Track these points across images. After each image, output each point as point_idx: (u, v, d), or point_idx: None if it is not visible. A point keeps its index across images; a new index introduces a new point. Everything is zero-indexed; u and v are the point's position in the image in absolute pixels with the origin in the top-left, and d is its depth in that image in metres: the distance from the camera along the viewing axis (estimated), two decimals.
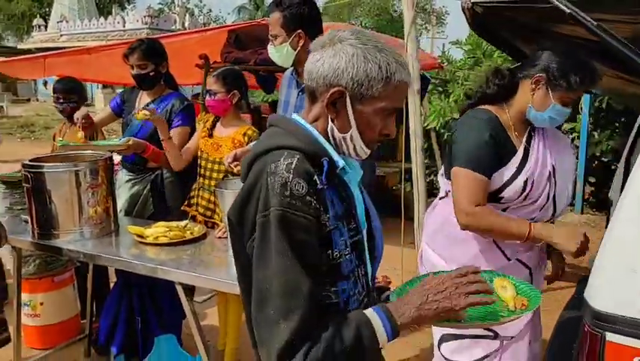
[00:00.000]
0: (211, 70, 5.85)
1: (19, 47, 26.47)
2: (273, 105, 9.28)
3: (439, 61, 8.61)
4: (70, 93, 3.51)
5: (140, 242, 2.51)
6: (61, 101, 3.48)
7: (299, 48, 2.28)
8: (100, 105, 23.13)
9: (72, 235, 2.56)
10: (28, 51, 23.82)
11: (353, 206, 1.24)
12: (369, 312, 1.15)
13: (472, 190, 1.89)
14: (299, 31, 2.25)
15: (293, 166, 1.12)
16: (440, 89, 8.18)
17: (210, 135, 2.91)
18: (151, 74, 2.92)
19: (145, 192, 3.01)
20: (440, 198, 2.21)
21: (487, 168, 1.90)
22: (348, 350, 1.10)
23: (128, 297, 3.08)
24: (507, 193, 1.94)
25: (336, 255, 1.18)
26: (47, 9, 28.91)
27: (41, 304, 3.34)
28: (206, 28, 7.56)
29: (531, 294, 1.37)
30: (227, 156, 2.48)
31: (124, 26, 23.65)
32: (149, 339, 2.96)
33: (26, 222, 2.75)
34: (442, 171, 2.20)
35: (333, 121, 1.21)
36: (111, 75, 7.94)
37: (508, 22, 2.44)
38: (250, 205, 1.16)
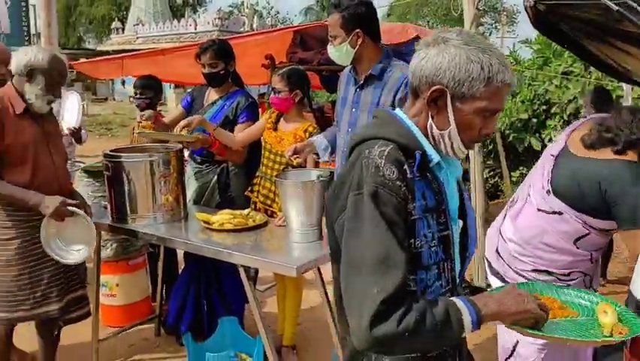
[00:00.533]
0: (276, 70, 6.03)
1: (98, 48, 27.99)
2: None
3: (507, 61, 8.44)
4: (147, 89, 3.80)
5: (207, 228, 2.70)
6: (138, 96, 3.78)
7: (357, 47, 2.40)
8: (172, 104, 24.06)
9: (146, 219, 2.79)
10: (107, 53, 25.12)
11: (445, 201, 1.26)
12: (454, 299, 1.18)
13: None
14: (357, 30, 2.37)
15: (385, 153, 1.18)
16: None
17: (275, 129, 3.07)
18: (221, 72, 3.11)
19: (212, 183, 3.21)
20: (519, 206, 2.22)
21: None
22: (439, 327, 1.11)
23: (195, 282, 3.31)
24: None
25: (418, 244, 1.21)
26: (125, 12, 30.41)
27: (117, 285, 3.62)
28: (272, 29, 7.82)
29: (634, 323, 1.29)
30: (288, 149, 2.63)
31: (195, 29, 24.53)
32: (214, 321, 3.17)
33: (105, 208, 3.02)
34: (531, 180, 2.21)
35: (432, 118, 1.24)
36: (183, 75, 8.32)
37: (571, 20, 2.45)
38: (344, 187, 1.22)
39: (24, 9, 12.09)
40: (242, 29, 24.37)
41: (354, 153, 1.26)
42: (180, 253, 3.80)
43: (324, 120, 3.71)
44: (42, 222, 2.50)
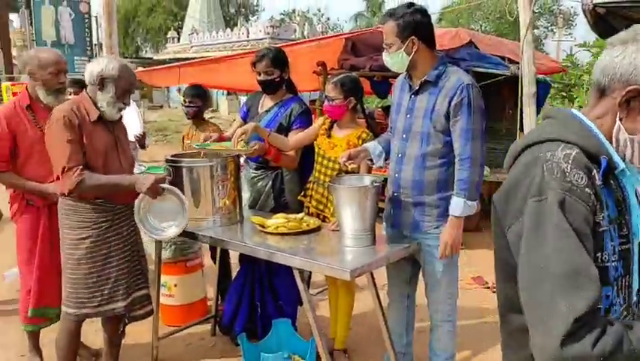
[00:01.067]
0: (329, 76, 6.11)
1: (155, 57, 28.92)
2: (387, 110, 9.43)
3: (563, 64, 8.25)
4: (196, 98, 3.93)
5: (262, 231, 2.78)
6: (187, 104, 3.91)
7: (413, 53, 2.42)
8: (224, 112, 24.63)
9: (204, 222, 2.89)
10: (163, 61, 25.92)
11: (627, 212, 1.16)
12: None
13: None
14: (412, 37, 2.39)
15: (571, 158, 1.09)
16: (564, 93, 7.85)
17: (328, 135, 3.13)
18: (276, 80, 3.18)
19: (266, 188, 3.28)
20: None
21: None
22: (635, 354, 1.01)
23: (249, 285, 3.40)
24: None
25: (605, 258, 1.12)
26: (180, 22, 31.31)
27: (175, 285, 3.75)
28: (324, 36, 7.92)
29: None
30: (342, 155, 2.67)
31: (247, 37, 25.01)
32: (267, 323, 3.24)
33: None
34: None
35: (621, 120, 1.14)
36: (236, 82, 8.53)
37: (631, 22, 2.40)
38: (517, 192, 1.14)
39: (87, 21, 12.64)
40: (293, 36, 24.68)
41: (525, 154, 1.18)
42: (234, 256, 3.90)
43: (375, 126, 3.72)
44: (135, 202, 2.68)
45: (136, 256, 2.87)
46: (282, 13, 37.94)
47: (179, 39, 29.12)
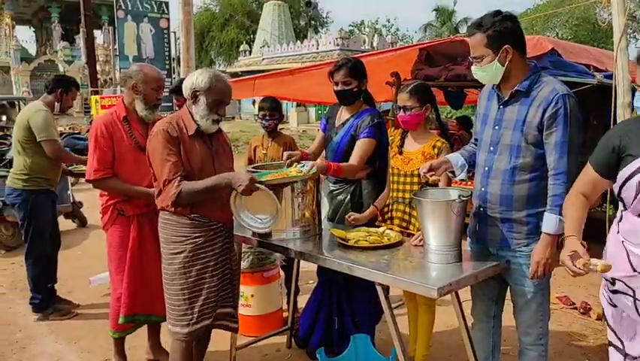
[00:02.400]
0: (402, 87, 6.05)
1: (227, 70, 29.77)
2: (462, 121, 9.19)
3: None
4: (274, 110, 3.94)
5: (342, 244, 2.74)
6: (267, 118, 3.90)
7: (507, 63, 2.31)
8: (294, 123, 24.96)
9: (284, 234, 2.89)
10: (235, 74, 26.64)
11: None
12: None
13: None
14: (506, 46, 2.28)
15: None
16: None
17: (400, 152, 3.06)
18: (354, 90, 3.13)
19: (345, 201, 3.24)
20: None
21: None
22: None
23: (327, 299, 3.36)
24: None
25: None
26: (252, 36, 32.12)
27: (252, 296, 3.77)
28: (398, 47, 7.82)
29: None
30: (422, 166, 2.59)
31: (317, 49, 25.29)
32: (344, 337, 3.19)
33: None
34: None
35: None
36: (310, 94, 8.60)
37: None
38: None
39: (166, 36, 13.18)
40: (362, 48, 24.73)
41: None
42: (310, 269, 3.89)
43: (448, 137, 3.58)
44: (231, 197, 2.71)
45: (228, 274, 2.84)
46: (350, 25, 38.18)
47: (250, 52, 29.86)
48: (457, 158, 2.64)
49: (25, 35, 36.87)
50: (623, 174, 1.92)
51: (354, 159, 3.08)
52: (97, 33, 27.06)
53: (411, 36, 39.54)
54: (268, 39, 28.65)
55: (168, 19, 13.14)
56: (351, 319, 3.31)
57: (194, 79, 2.66)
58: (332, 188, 3.30)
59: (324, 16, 38.39)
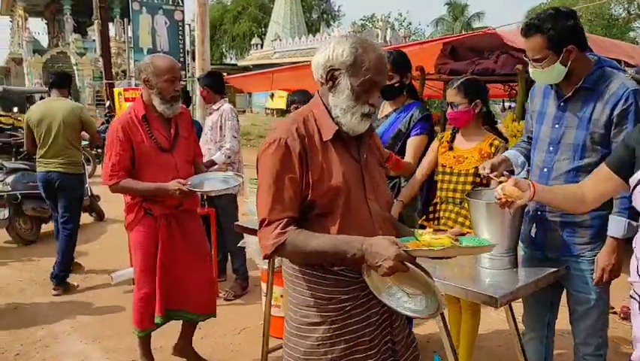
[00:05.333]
0: (450, 83, 5.97)
1: (239, 64, 29.65)
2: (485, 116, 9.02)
3: None
4: (305, 104, 3.82)
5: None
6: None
7: (569, 63, 2.15)
8: None
9: None
10: (247, 68, 26.55)
11: None
12: None
13: None
14: (569, 47, 2.12)
15: None
16: None
17: (450, 148, 2.91)
18: (396, 84, 2.99)
19: None
20: None
21: None
22: None
23: None
24: None
25: None
26: (264, 29, 31.94)
27: (281, 296, 3.64)
28: (421, 41, 7.65)
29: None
30: (482, 165, 2.44)
31: None
32: None
33: None
34: None
35: None
36: None
37: None
38: None
39: (180, 28, 13.08)
40: (375, 41, 24.47)
41: None
42: None
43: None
44: (363, 269, 1.64)
45: (389, 350, 1.83)
46: (362, 19, 37.88)
47: (262, 45, 29.69)
48: (516, 155, 2.49)
49: (38, 27, 36.90)
50: (634, 178, 1.83)
51: (410, 156, 2.99)
52: (109, 26, 27.00)
53: (423, 30, 39.24)
54: (280, 32, 28.49)
55: (183, 12, 13.05)
56: None
57: (330, 52, 1.69)
58: None
59: (336, 9, 38.16)
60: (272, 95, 23.00)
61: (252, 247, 3.74)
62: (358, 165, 1.77)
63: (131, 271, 4.69)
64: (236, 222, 3.25)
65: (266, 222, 1.68)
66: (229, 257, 4.77)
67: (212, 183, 3.14)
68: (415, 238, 1.67)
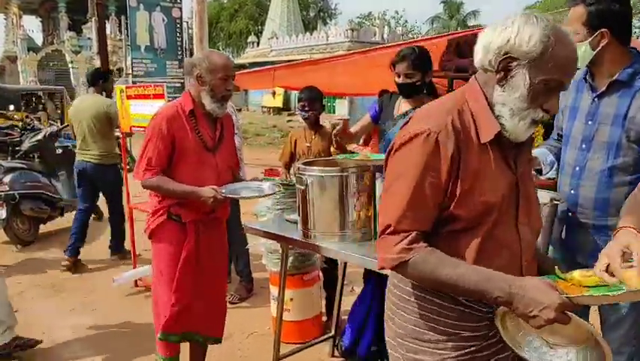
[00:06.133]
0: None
1: (235, 62, 29.44)
2: None
3: None
4: (315, 102, 3.70)
5: None
6: (307, 109, 3.67)
7: (599, 48, 2.05)
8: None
9: (337, 237, 2.64)
10: (242, 66, 26.39)
11: None
12: None
13: None
14: (603, 30, 2.02)
15: None
16: None
17: None
18: (417, 83, 2.88)
19: None
20: None
21: None
22: None
23: (377, 304, 3.10)
24: None
25: None
26: (260, 27, 31.79)
27: (291, 300, 3.53)
28: (424, 38, 7.49)
29: None
30: None
31: (327, 40, 24.96)
32: None
33: (290, 221, 2.94)
34: None
35: None
36: (334, 85, 8.33)
37: None
38: None
39: (178, 25, 12.91)
40: (373, 39, 24.39)
41: None
42: (351, 270, 3.65)
43: None
44: (497, 315, 1.36)
45: None
46: (358, 17, 37.81)
47: (258, 43, 29.52)
48: (544, 154, 2.37)
49: (32, 25, 36.62)
50: None
51: None
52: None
53: (419, 28, 39.20)
54: (277, 30, 28.34)
55: (181, 9, 12.84)
56: None
57: (513, 34, 1.31)
58: None
59: (333, 7, 38.05)
60: (274, 93, 22.83)
61: (261, 249, 3.63)
62: (514, 177, 1.43)
63: (132, 274, 4.60)
64: (245, 224, 3.13)
65: (391, 229, 1.37)
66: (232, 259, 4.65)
67: (244, 191, 2.87)
68: (558, 276, 1.39)
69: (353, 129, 3.16)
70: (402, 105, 3.03)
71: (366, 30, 26.86)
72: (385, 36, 26.00)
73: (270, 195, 2.96)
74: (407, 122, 1.50)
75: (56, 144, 6.73)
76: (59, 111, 14.00)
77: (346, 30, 24.77)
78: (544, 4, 30.02)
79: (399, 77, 2.88)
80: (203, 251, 2.77)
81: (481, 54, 1.38)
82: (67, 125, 7.97)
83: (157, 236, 2.76)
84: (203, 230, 2.77)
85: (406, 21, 39.96)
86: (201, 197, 2.62)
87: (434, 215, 1.38)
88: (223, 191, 2.67)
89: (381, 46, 9.07)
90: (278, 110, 25.09)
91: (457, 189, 1.34)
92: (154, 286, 2.87)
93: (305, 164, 2.77)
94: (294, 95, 24.42)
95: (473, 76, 1.46)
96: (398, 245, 1.36)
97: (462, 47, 6.70)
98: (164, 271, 2.74)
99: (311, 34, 26.50)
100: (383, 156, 2.66)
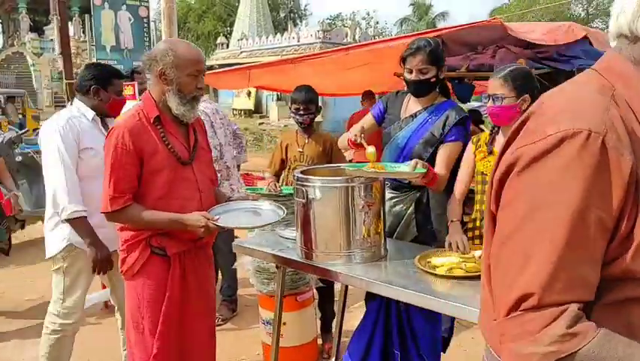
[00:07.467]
0: (494, 72, 5.65)
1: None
2: (471, 114, 8.71)
3: None
4: (310, 103, 3.34)
5: (425, 271, 2.16)
6: (302, 112, 3.31)
7: None
8: (274, 118, 24.26)
9: (343, 257, 2.30)
10: (211, 67, 25.82)
11: None
12: None
13: None
14: None
15: None
16: None
17: (490, 152, 2.50)
18: (431, 80, 2.57)
19: (408, 212, 2.66)
20: None
21: None
22: None
23: (382, 328, 2.75)
24: None
25: None
26: (230, 28, 31.20)
27: (284, 324, 3.16)
28: (409, 34, 7.18)
29: None
30: None
31: (298, 41, 24.57)
32: None
33: (283, 237, 2.62)
34: None
35: None
36: (316, 85, 8.00)
37: None
38: None
39: (145, 25, 12.43)
40: (344, 40, 24.11)
41: None
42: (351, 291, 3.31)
43: None
44: None
45: None
46: (328, 18, 37.55)
47: (228, 45, 28.96)
48: None
49: None
50: None
51: (444, 167, 2.53)
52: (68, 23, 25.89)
53: (390, 29, 39.20)
54: (246, 31, 27.86)
55: (148, 8, 12.37)
56: (417, 353, 2.72)
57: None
58: (390, 195, 2.71)
59: (303, 8, 37.71)
60: (249, 94, 22.40)
61: (249, 268, 3.25)
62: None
63: (101, 295, 4.16)
64: (235, 243, 2.76)
65: (532, 302, 0.87)
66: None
67: (240, 215, 2.33)
68: None
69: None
70: (410, 105, 2.71)
71: (338, 31, 26.56)
72: (357, 37, 25.76)
73: (277, 222, 2.40)
74: (517, 128, 1.00)
75: (16, 151, 6.23)
76: (20, 116, 13.36)
77: (318, 31, 24.43)
78: (510, 8, 30.36)
79: (411, 72, 2.56)
80: (191, 291, 2.29)
81: (618, 16, 0.93)
82: (28, 131, 7.50)
83: (135, 277, 2.24)
84: (190, 265, 2.29)
85: (377, 22, 39.89)
86: (188, 226, 2.16)
87: (598, 273, 0.87)
88: (215, 218, 2.18)
89: (363, 42, 8.74)
90: (249, 113, 24.62)
91: (622, 227, 0.83)
92: (129, 332, 2.33)
93: (304, 173, 2.42)
94: (266, 96, 24.02)
95: (607, 52, 1.02)
96: (551, 329, 0.85)
97: (449, 44, 6.46)
98: (149, 315, 2.23)
99: (282, 35, 26.09)
100: (399, 165, 2.36)
